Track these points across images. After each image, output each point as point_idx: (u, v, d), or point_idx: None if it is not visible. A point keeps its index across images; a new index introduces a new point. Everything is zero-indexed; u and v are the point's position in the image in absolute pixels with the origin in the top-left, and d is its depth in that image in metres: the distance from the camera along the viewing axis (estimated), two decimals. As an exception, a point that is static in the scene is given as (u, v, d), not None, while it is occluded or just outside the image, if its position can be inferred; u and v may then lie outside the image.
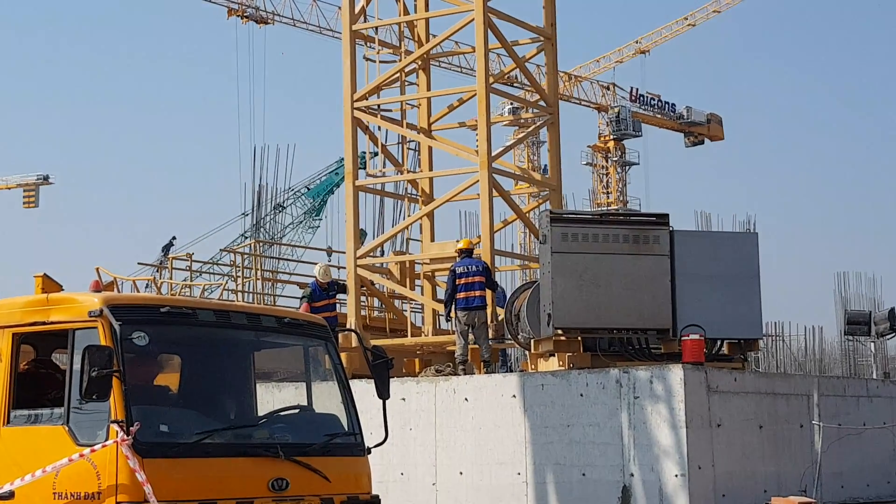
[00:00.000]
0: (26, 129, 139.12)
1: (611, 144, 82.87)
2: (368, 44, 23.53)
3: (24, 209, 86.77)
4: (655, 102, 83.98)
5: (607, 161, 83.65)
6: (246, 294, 27.21)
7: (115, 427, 10.48)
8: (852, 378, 27.38)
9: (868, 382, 21.82)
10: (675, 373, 16.83)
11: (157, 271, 28.73)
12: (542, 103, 24.21)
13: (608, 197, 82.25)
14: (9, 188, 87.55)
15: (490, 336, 20.18)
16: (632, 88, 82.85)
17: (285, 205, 56.10)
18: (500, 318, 20.54)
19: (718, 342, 19.34)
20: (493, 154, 21.87)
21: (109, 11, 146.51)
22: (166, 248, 54.78)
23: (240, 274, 28.00)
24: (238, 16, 65.26)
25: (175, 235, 55.69)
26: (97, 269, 21.95)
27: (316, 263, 27.22)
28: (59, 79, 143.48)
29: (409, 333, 22.72)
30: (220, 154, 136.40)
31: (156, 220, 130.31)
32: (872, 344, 28.33)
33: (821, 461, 17.59)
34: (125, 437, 10.43)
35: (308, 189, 57.26)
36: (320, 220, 57.02)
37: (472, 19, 21.88)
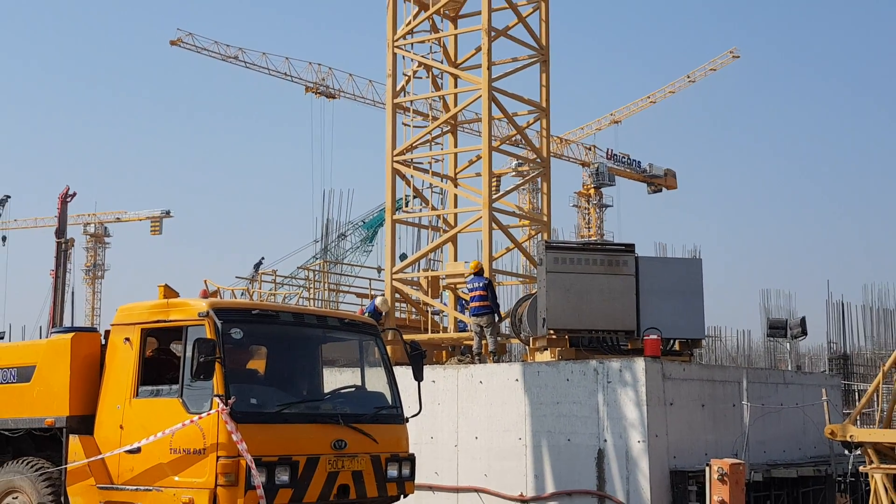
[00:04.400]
0: (153, 174, 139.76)
1: (591, 191, 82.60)
2: (406, 113, 23.41)
3: (151, 236, 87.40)
4: (625, 160, 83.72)
5: (589, 204, 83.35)
6: (316, 301, 27.13)
7: (217, 400, 10.53)
8: (773, 370, 27.12)
9: (784, 373, 21.61)
10: (639, 364, 16.69)
11: (250, 283, 28.69)
12: (537, 159, 23.95)
13: (589, 231, 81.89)
14: (140, 220, 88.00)
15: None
16: (608, 149, 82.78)
17: (346, 234, 56.03)
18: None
19: (671, 341, 19.16)
20: (493, 197, 21.54)
21: (219, 89, 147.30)
22: (257, 266, 54.60)
23: (311, 286, 27.97)
24: (313, 91, 65.49)
25: (263, 256, 55.65)
26: (205, 281, 21.93)
27: (375, 291, 27.05)
28: (180, 136, 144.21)
29: (428, 331, 22.51)
30: (298, 195, 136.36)
31: (249, 244, 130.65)
32: (788, 344, 28.10)
33: (748, 432, 17.41)
34: (224, 407, 10.45)
35: (364, 223, 57.21)
36: (373, 245, 56.97)
37: (480, 95, 21.64)
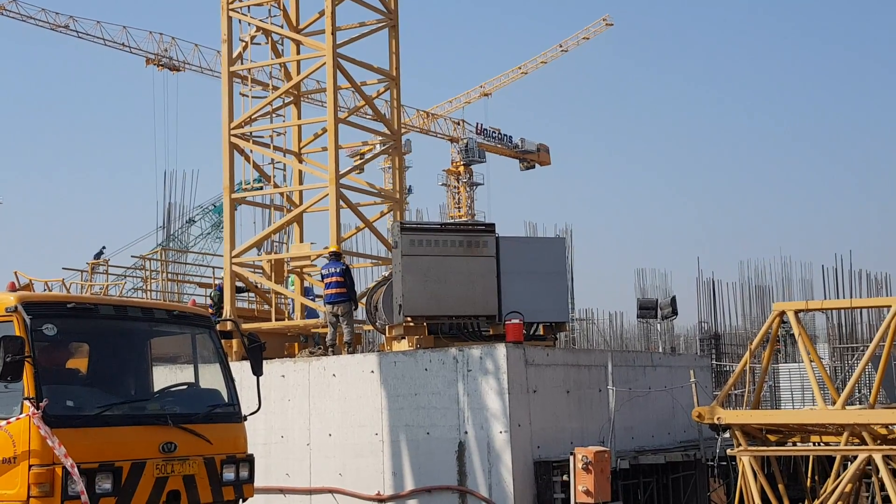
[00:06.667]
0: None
1: (461, 169, 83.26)
2: (244, 82, 23.00)
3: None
4: (496, 135, 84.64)
5: (458, 182, 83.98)
6: (155, 293, 26.61)
7: (27, 403, 10.35)
8: (640, 352, 27.78)
9: (653, 355, 22.20)
10: (500, 350, 16.93)
11: (82, 276, 27.92)
12: (388, 132, 23.87)
13: (459, 211, 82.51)
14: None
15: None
16: (477, 124, 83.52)
17: (195, 219, 55.24)
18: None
19: (535, 325, 19.48)
20: (339, 173, 21.31)
21: (53, 60, 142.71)
22: (98, 256, 53.20)
23: (148, 277, 27.45)
24: (154, 64, 64.22)
25: (105, 245, 54.15)
26: (15, 273, 20.98)
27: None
28: (5, 116, 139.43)
29: (273, 319, 22.30)
30: (143, 179, 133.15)
31: (91, 233, 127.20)
32: (659, 325, 28.83)
33: (614, 418, 17.85)
34: (35, 411, 10.24)
35: (214, 206, 56.42)
36: (225, 231, 56.31)
37: (324, 63, 21.37)
